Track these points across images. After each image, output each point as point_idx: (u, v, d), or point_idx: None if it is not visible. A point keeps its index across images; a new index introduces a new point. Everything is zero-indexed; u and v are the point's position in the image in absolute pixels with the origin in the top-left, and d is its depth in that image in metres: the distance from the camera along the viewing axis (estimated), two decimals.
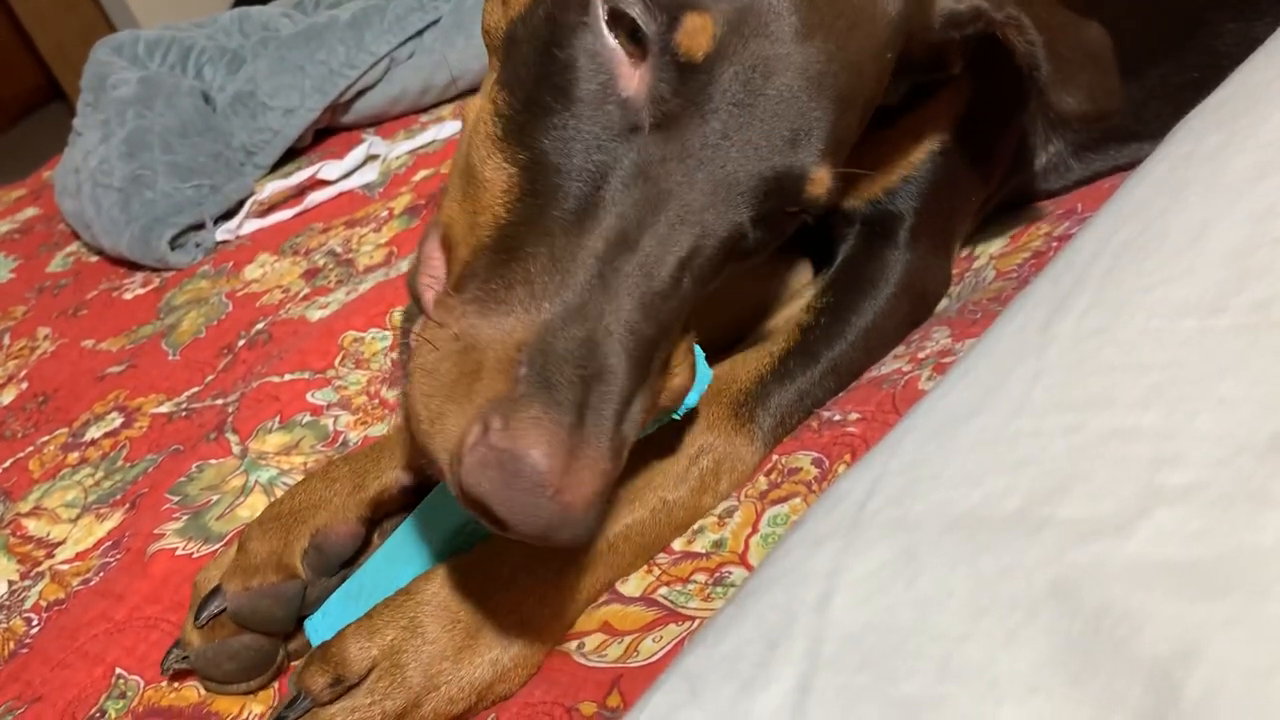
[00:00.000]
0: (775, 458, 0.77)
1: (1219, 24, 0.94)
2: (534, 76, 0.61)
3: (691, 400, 0.67)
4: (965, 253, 0.96)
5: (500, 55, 0.66)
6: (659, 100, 0.59)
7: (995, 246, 0.95)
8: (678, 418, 0.68)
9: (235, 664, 0.73)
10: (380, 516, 0.78)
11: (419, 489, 0.77)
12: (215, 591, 0.73)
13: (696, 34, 0.58)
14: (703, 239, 0.59)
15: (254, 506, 0.92)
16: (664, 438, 0.73)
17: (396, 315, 1.13)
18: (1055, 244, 0.90)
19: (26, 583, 0.94)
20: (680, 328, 0.62)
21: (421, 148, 1.56)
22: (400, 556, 0.73)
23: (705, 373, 0.69)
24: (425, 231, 0.69)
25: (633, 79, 0.59)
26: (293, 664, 0.75)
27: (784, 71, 0.60)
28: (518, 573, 0.67)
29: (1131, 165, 0.92)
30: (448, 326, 0.57)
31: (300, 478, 0.93)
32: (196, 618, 0.72)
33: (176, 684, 0.77)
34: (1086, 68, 0.75)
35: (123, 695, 0.78)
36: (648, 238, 0.58)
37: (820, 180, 0.63)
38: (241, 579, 0.72)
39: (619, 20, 0.59)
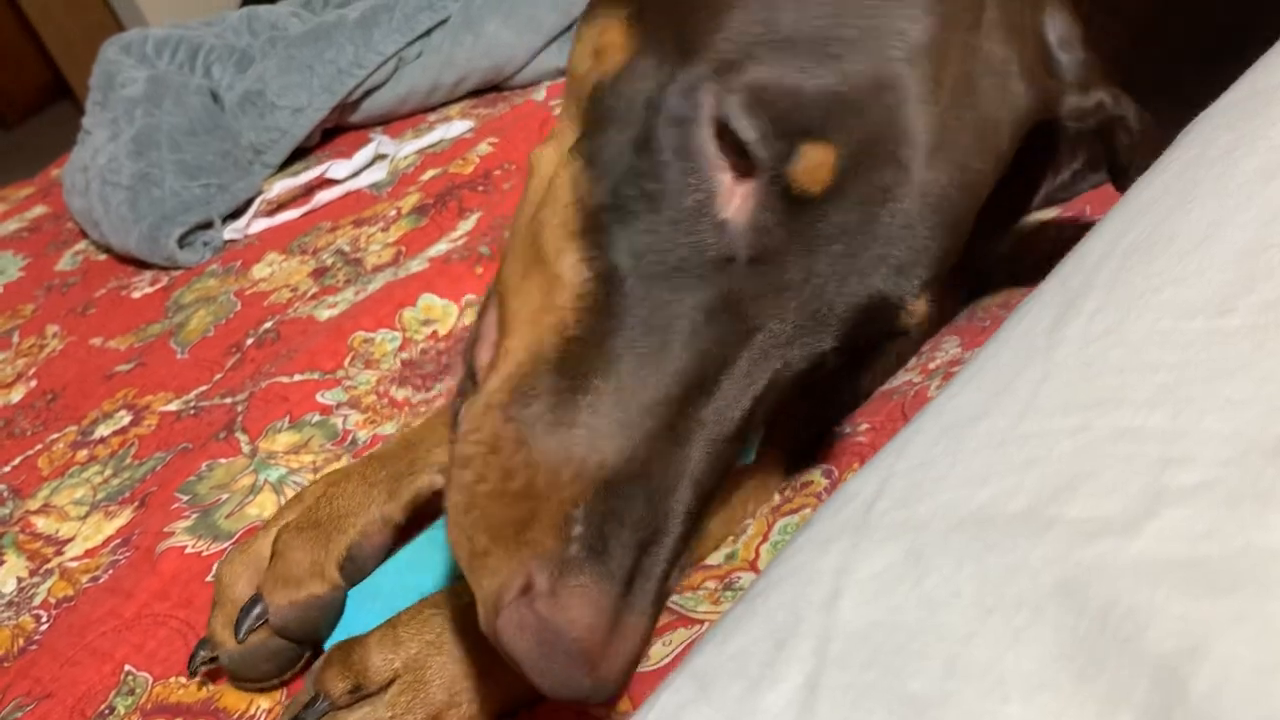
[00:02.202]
0: None
1: (1253, 44, 0.93)
2: (622, 169, 0.55)
3: (749, 457, 0.66)
4: None
5: (584, 114, 0.59)
6: (761, 231, 0.53)
7: (1002, 249, 0.95)
8: None
9: (273, 663, 0.72)
10: (411, 519, 0.78)
11: None
12: (254, 600, 0.72)
13: (816, 169, 0.52)
14: (783, 372, 0.55)
15: (263, 505, 0.92)
16: None
17: (407, 315, 1.13)
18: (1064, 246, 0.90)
19: (35, 580, 0.95)
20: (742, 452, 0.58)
21: (429, 147, 1.56)
22: (422, 562, 0.73)
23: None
24: (485, 302, 0.65)
25: (734, 199, 0.53)
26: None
27: (904, 198, 0.54)
28: None
29: None
30: (499, 455, 0.53)
31: (310, 477, 0.93)
32: (236, 630, 0.71)
33: (185, 681, 0.77)
34: (1153, 153, 0.74)
35: (131, 692, 0.78)
36: (726, 380, 0.53)
37: (917, 311, 0.57)
38: (286, 592, 0.71)
39: (728, 131, 0.52)
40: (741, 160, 0.53)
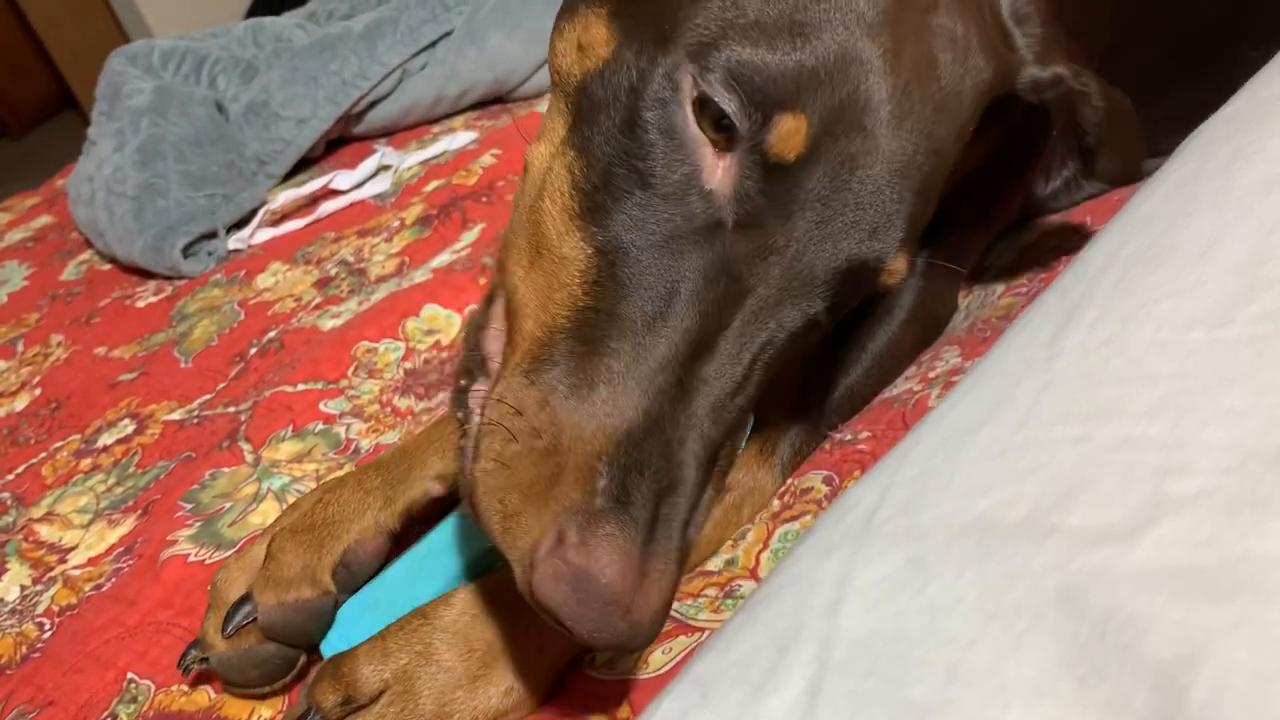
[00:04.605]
0: (789, 481, 0.77)
1: (1240, 51, 0.94)
2: (613, 152, 0.59)
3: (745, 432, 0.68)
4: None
5: (573, 107, 0.64)
6: (744, 198, 0.57)
7: (1004, 260, 0.96)
8: None
9: (260, 670, 0.73)
10: (406, 527, 0.78)
11: (447, 499, 0.77)
12: (244, 599, 0.73)
13: (790, 137, 0.55)
14: (777, 333, 0.58)
15: (266, 514, 0.92)
16: None
17: (410, 325, 1.14)
18: (1064, 257, 0.90)
19: (39, 588, 0.95)
20: (749, 410, 0.61)
21: (433, 158, 1.57)
22: (420, 573, 0.73)
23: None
24: (491, 290, 0.68)
25: (717, 170, 0.57)
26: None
27: (872, 165, 0.58)
28: None
29: None
30: (525, 416, 0.56)
31: (312, 485, 0.94)
32: (224, 627, 0.72)
33: (187, 688, 0.77)
34: (1121, 133, 0.75)
35: (134, 699, 0.78)
36: (724, 339, 0.56)
37: (896, 270, 0.61)
38: (275, 592, 0.72)
39: (707, 108, 0.56)
40: (722, 135, 0.57)
